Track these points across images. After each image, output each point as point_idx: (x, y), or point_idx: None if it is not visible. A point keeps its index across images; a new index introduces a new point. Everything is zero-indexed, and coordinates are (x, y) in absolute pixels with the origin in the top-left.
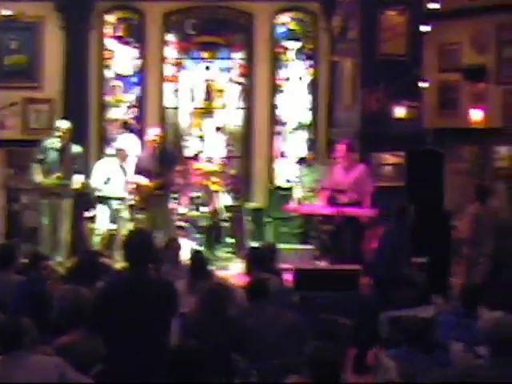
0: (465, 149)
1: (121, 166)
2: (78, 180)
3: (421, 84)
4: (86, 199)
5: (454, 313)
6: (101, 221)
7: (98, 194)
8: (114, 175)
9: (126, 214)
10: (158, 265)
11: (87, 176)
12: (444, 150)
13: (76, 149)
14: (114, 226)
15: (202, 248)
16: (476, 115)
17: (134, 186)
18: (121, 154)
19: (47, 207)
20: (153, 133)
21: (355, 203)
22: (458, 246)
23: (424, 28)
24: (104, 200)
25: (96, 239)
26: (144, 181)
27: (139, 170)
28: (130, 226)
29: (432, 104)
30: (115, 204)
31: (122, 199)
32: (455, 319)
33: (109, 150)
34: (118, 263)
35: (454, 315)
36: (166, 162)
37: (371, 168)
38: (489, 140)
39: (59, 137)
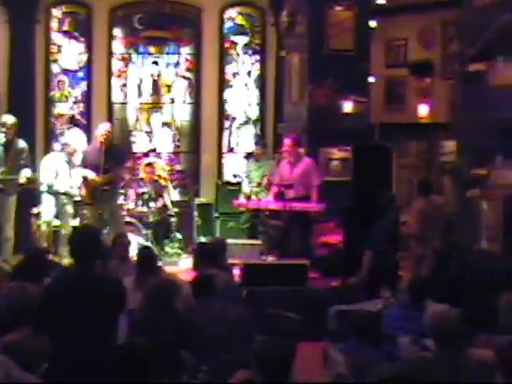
0: (412, 143)
1: (68, 161)
2: (24, 174)
3: (368, 79)
4: (32, 195)
5: (402, 306)
6: (46, 217)
7: (46, 189)
8: (61, 170)
9: (71, 209)
10: (106, 261)
11: (34, 171)
12: (391, 144)
13: (21, 144)
14: (59, 222)
15: (150, 244)
16: (422, 110)
17: (81, 180)
18: (68, 149)
19: None
20: (103, 128)
21: (302, 198)
22: (405, 241)
23: (371, 23)
24: (51, 195)
25: (42, 235)
26: (91, 175)
27: (86, 165)
28: (76, 221)
29: (379, 99)
30: (62, 199)
31: (68, 195)
32: (403, 312)
33: (56, 145)
34: (65, 259)
35: (402, 308)
36: (114, 158)
37: (318, 162)
38: (435, 135)
39: (4, 132)
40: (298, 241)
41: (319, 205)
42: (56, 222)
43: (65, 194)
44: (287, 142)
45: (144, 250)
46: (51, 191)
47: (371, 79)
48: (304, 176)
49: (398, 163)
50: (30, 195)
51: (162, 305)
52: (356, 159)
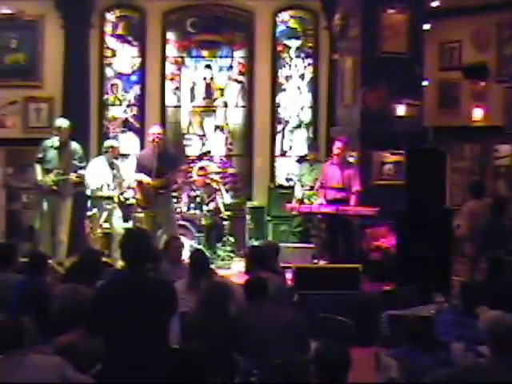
0: (466, 147)
1: (111, 164)
2: (77, 174)
3: (422, 82)
4: (86, 198)
5: (454, 312)
6: (98, 220)
7: (91, 193)
8: (105, 174)
9: (118, 212)
10: (158, 264)
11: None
12: (444, 148)
13: (74, 146)
14: (111, 225)
15: (202, 247)
16: (477, 113)
17: (136, 184)
18: (111, 152)
19: (47, 206)
20: (154, 131)
21: (343, 200)
22: (460, 244)
23: (425, 26)
24: (100, 199)
25: (95, 238)
26: (146, 179)
27: (140, 169)
28: (129, 224)
29: (433, 102)
30: (108, 203)
31: (112, 198)
32: (455, 318)
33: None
34: (118, 262)
35: (454, 314)
36: (168, 161)
37: (371, 166)
38: (490, 138)
39: (58, 135)
40: (350, 245)
41: (373, 209)
42: (107, 225)
43: (108, 197)
44: (338, 144)
45: (197, 253)
46: (96, 195)
47: (425, 82)
48: (347, 180)
49: (452, 167)
50: (84, 198)
51: (217, 308)
52: (409, 163)
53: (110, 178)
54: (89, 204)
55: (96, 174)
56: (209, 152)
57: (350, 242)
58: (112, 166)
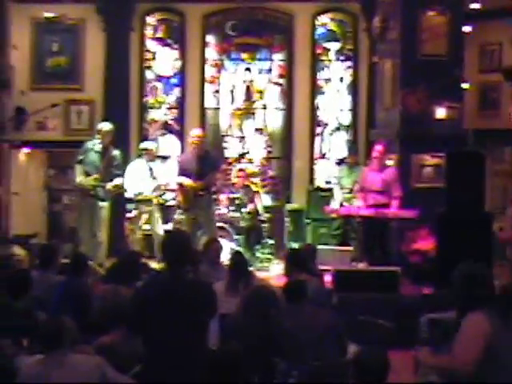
0: (506, 150)
1: (149, 167)
2: (115, 182)
3: (461, 84)
4: (126, 200)
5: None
6: (138, 222)
7: (131, 196)
8: (144, 176)
9: (158, 214)
10: (197, 266)
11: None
12: (485, 151)
13: (114, 152)
14: (151, 227)
15: (241, 249)
16: None
17: (178, 186)
18: (146, 154)
19: (87, 208)
20: (194, 134)
21: (384, 205)
22: (501, 248)
23: (465, 28)
24: (140, 201)
25: (135, 240)
26: (188, 182)
27: (182, 172)
28: (169, 226)
29: (473, 105)
30: (148, 205)
31: (151, 200)
32: None
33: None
34: (158, 264)
35: None
36: (208, 163)
37: (410, 169)
38: None
39: (100, 139)
40: (389, 247)
41: (412, 212)
42: (147, 227)
43: (148, 200)
44: (378, 148)
45: (237, 255)
46: (135, 198)
47: (465, 84)
48: (386, 185)
49: (492, 170)
50: (123, 200)
51: (258, 311)
52: (449, 166)
53: (148, 180)
54: (129, 206)
55: (134, 177)
56: (247, 153)
57: (387, 246)
58: (150, 167)
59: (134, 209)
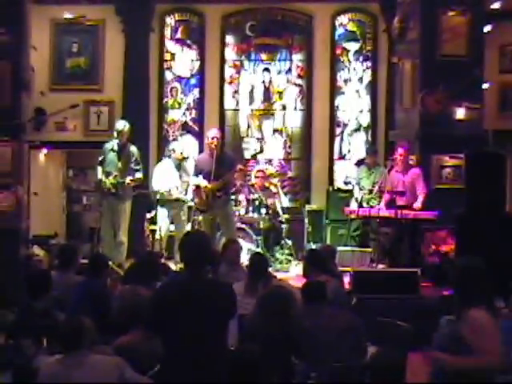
0: None
1: (178, 167)
2: (134, 176)
3: (481, 85)
4: (146, 200)
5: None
6: (161, 222)
7: (159, 196)
8: (172, 177)
9: (184, 215)
10: (216, 266)
11: (146, 176)
12: (505, 152)
13: (132, 148)
14: (173, 228)
15: (260, 250)
16: None
17: (194, 187)
18: (175, 155)
19: (107, 208)
20: (212, 134)
21: (411, 206)
22: None
23: (485, 28)
24: (164, 202)
25: (155, 240)
26: (203, 182)
27: (199, 172)
28: (189, 227)
29: (493, 105)
30: (175, 206)
31: (180, 201)
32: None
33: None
34: (178, 264)
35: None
36: (226, 164)
37: (430, 169)
38: None
39: (118, 138)
40: (409, 249)
41: (432, 213)
42: (172, 228)
43: (176, 200)
44: (400, 150)
45: (256, 256)
46: (163, 198)
47: (484, 85)
48: (411, 185)
49: None
50: (144, 200)
51: (277, 312)
52: (469, 167)
53: (177, 180)
54: (155, 205)
55: (162, 177)
56: (261, 152)
57: (416, 247)
58: (179, 167)
59: (155, 208)
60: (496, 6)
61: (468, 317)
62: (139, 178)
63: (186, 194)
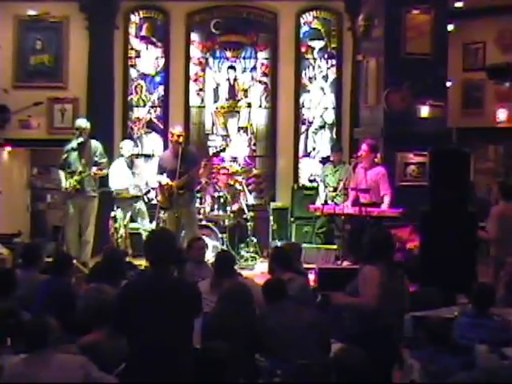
0: (490, 148)
1: (130, 164)
2: (99, 166)
3: (445, 83)
4: (110, 199)
5: (468, 314)
6: (121, 220)
7: (117, 194)
8: (125, 175)
9: (143, 210)
10: (182, 264)
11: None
12: (469, 149)
13: (94, 143)
14: (136, 225)
15: (225, 247)
16: (501, 114)
17: (157, 186)
18: (123, 152)
19: (72, 208)
20: (175, 131)
21: (376, 204)
22: (485, 247)
23: (449, 27)
24: (122, 200)
25: (119, 238)
26: (165, 180)
27: (163, 170)
28: (153, 225)
29: (456, 103)
30: (132, 202)
31: (138, 197)
32: (470, 320)
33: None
34: (142, 262)
35: (468, 316)
36: (189, 161)
37: (395, 167)
38: None
39: (79, 136)
40: None
41: (396, 210)
42: (133, 225)
43: (133, 197)
44: (364, 147)
45: (222, 254)
46: (120, 197)
47: (448, 83)
48: (375, 183)
49: (476, 168)
50: (108, 199)
51: (235, 309)
52: (433, 164)
53: (131, 177)
54: (114, 204)
55: (117, 175)
56: (223, 150)
57: None
58: (131, 165)
59: (118, 207)
60: (459, 4)
61: (361, 270)
62: (105, 166)
63: (143, 191)
